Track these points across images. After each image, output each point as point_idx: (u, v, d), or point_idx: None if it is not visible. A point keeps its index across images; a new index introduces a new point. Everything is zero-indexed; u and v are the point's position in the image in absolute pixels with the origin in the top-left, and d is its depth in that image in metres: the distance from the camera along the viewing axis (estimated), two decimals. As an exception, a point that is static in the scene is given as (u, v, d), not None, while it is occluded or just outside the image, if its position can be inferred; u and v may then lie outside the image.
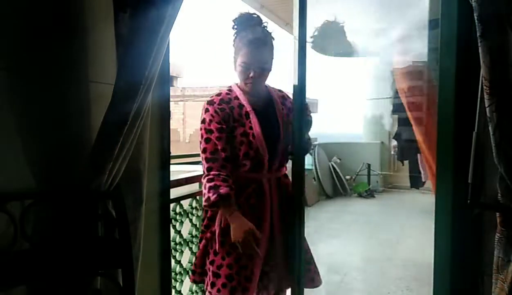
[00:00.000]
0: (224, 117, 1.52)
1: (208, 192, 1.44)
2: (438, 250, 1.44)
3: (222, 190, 1.43)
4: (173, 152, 1.74)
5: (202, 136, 1.53)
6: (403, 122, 4.35)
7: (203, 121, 1.54)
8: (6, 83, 0.93)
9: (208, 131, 1.51)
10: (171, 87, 1.50)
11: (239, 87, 1.62)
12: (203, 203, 1.47)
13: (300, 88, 1.69)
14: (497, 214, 1.18)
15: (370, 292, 2.94)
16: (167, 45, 1.10)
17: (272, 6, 5.74)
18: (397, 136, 4.62)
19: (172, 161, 1.50)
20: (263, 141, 1.54)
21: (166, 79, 1.34)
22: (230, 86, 1.64)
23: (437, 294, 1.45)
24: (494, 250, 1.18)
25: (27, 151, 0.96)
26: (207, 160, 1.50)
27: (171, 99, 1.43)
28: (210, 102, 1.55)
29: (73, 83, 1.03)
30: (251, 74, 1.53)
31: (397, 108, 4.37)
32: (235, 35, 1.58)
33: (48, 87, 0.99)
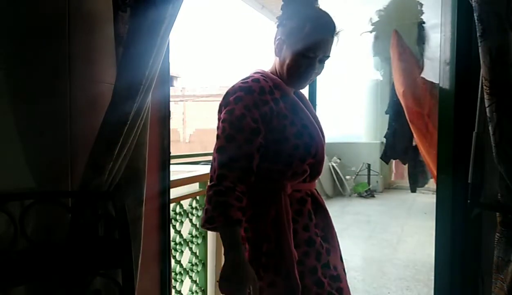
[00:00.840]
0: (264, 114, 1.11)
1: (213, 209, 1.02)
2: (438, 250, 1.44)
3: (233, 213, 1.02)
4: (173, 152, 1.72)
5: (223, 131, 1.09)
6: (394, 122, 4.33)
7: (230, 111, 1.10)
8: (6, 83, 0.93)
9: (235, 127, 1.08)
10: (171, 87, 1.46)
11: (277, 75, 1.21)
12: (201, 221, 1.07)
13: (310, 90, 1.71)
14: (497, 214, 1.18)
15: (370, 292, 2.94)
16: (167, 45, 1.10)
17: (274, 6, 5.73)
18: (386, 136, 4.59)
19: (172, 161, 1.48)
20: (323, 141, 1.22)
21: (166, 79, 1.35)
22: (263, 71, 1.22)
23: (437, 294, 1.45)
24: (494, 250, 1.18)
25: (27, 151, 0.96)
26: (221, 164, 1.06)
27: (171, 99, 1.42)
28: (247, 90, 1.12)
29: (73, 83, 1.02)
30: (317, 70, 1.18)
31: (391, 109, 4.33)
32: (293, 11, 1.18)
33: (48, 87, 0.99)
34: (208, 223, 1.03)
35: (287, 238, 1.11)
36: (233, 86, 1.16)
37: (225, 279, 1.02)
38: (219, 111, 1.17)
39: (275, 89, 1.16)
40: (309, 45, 1.13)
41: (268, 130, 1.13)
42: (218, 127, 1.13)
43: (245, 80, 1.16)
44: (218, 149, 1.09)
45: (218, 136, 1.11)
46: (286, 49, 1.17)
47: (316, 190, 1.27)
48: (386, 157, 4.58)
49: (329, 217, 1.25)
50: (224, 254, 1.05)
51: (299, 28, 1.15)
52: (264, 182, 1.16)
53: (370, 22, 4.96)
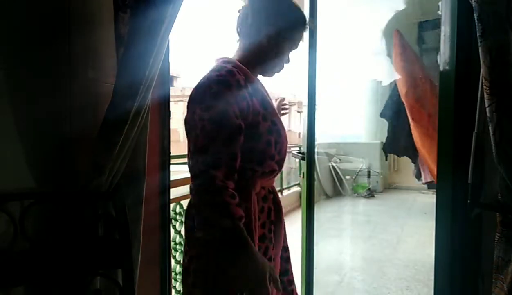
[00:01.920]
0: (242, 109, 1.05)
1: (213, 211, 0.96)
2: (438, 250, 1.44)
3: (235, 211, 0.97)
4: (173, 152, 1.72)
5: (203, 129, 1.00)
6: (395, 123, 4.32)
7: (209, 108, 1.01)
8: (6, 83, 0.93)
9: (216, 122, 1.00)
10: (171, 87, 1.45)
11: (245, 66, 1.14)
12: (201, 226, 0.99)
13: (310, 90, 1.72)
14: (497, 214, 1.18)
15: (370, 292, 2.94)
16: (167, 45, 1.10)
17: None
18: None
19: (172, 161, 1.48)
20: (287, 139, 1.19)
21: (166, 79, 1.34)
22: (231, 60, 1.14)
23: (437, 294, 1.45)
24: (494, 250, 1.18)
25: (27, 151, 0.96)
26: (208, 164, 0.98)
27: (171, 99, 1.42)
28: (225, 84, 1.03)
29: (73, 83, 1.03)
30: (284, 66, 1.21)
31: (390, 109, 4.31)
32: (288, 12, 1.16)
33: (48, 87, 0.99)
34: (209, 227, 0.97)
35: (253, 236, 1.07)
36: (207, 79, 1.06)
37: (259, 276, 0.97)
38: (191, 107, 1.05)
39: (246, 81, 1.10)
40: (294, 40, 1.16)
41: (245, 126, 1.05)
42: (193, 126, 1.02)
43: (219, 73, 1.07)
44: (201, 147, 1.00)
45: (196, 134, 1.01)
46: (269, 41, 1.14)
47: (274, 188, 1.26)
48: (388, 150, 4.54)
49: (282, 211, 1.24)
50: (233, 255, 0.98)
51: (286, 22, 1.14)
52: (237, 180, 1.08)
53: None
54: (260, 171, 1.13)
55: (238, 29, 1.18)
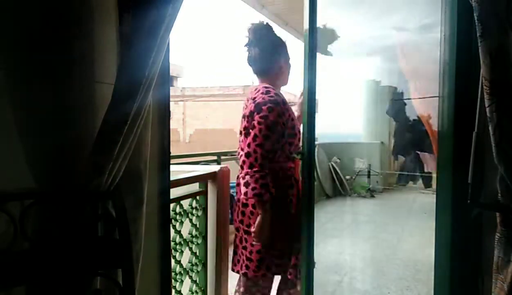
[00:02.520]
0: (287, 119, 1.77)
1: (260, 188, 1.67)
2: (438, 250, 1.44)
3: (271, 190, 1.71)
4: (173, 152, 1.73)
5: (260, 131, 1.69)
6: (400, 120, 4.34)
7: (265, 117, 1.70)
8: (6, 83, 0.93)
9: (270, 129, 1.70)
10: (171, 87, 1.47)
11: (275, 86, 1.86)
12: (250, 195, 1.69)
13: (310, 91, 1.74)
14: (497, 214, 1.18)
15: (370, 292, 2.94)
16: (167, 45, 1.10)
17: (272, 6, 5.74)
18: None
19: (172, 161, 1.48)
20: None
21: (166, 79, 1.34)
22: (272, 86, 1.84)
23: (437, 294, 1.45)
24: (494, 250, 1.18)
25: (27, 150, 0.96)
26: (262, 156, 1.68)
27: (171, 99, 1.42)
28: (275, 102, 1.74)
29: (73, 83, 1.02)
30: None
31: (396, 109, 4.33)
32: (283, 47, 1.93)
33: (48, 87, 0.99)
34: (258, 198, 1.69)
35: (294, 204, 1.87)
36: (262, 99, 1.74)
37: (266, 229, 1.75)
38: (251, 116, 1.74)
39: (283, 99, 1.78)
40: (288, 66, 1.99)
41: (288, 130, 1.79)
42: (253, 128, 1.71)
43: (270, 95, 1.76)
44: (258, 144, 1.68)
45: (256, 134, 1.69)
46: (285, 66, 1.92)
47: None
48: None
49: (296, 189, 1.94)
50: (263, 213, 1.73)
51: (287, 54, 1.92)
52: (284, 164, 1.83)
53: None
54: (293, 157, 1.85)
55: (253, 67, 1.91)
